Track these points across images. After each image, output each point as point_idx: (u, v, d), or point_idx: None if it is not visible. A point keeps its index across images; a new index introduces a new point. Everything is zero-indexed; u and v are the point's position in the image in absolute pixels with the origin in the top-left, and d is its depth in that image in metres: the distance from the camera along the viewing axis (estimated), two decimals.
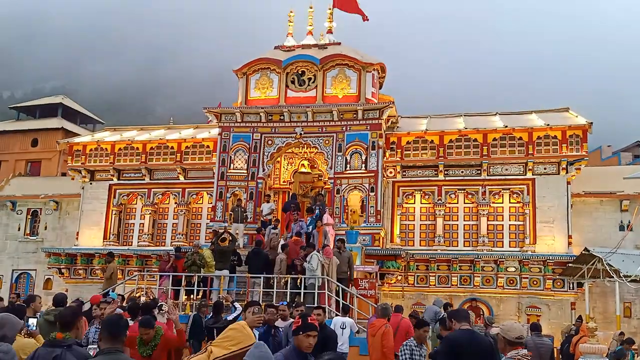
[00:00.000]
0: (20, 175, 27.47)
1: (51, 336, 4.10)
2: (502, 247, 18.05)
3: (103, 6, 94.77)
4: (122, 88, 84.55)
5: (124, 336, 3.83)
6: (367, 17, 19.59)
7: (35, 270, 22.96)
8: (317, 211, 15.85)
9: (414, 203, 19.07)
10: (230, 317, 9.29)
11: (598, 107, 41.73)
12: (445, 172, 18.60)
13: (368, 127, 17.86)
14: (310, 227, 15.64)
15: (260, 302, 10.34)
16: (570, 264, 16.65)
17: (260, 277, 13.50)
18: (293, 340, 4.23)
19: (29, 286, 22.94)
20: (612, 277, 14.90)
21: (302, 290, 12.80)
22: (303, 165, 20.72)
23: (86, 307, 10.02)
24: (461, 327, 5.22)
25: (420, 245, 18.67)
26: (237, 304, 10.37)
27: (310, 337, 4.13)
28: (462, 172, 18.64)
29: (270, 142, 18.54)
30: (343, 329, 10.36)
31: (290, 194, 19.24)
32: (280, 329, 8.17)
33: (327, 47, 19.16)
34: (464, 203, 18.72)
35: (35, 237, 23.35)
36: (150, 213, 20.90)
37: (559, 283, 17.37)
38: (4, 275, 23.38)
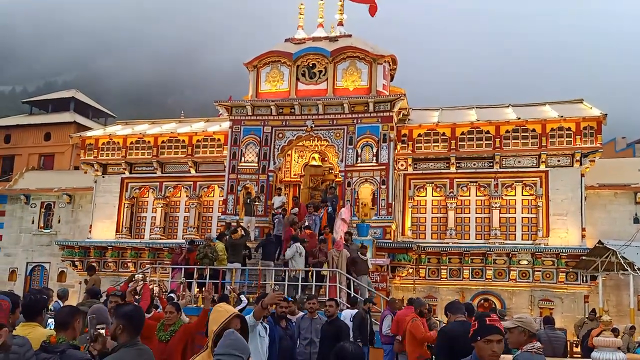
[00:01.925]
0: (33, 169, 27.74)
1: (45, 339, 3.96)
2: (515, 240, 17.90)
3: (118, 1, 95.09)
4: (135, 83, 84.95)
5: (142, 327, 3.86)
6: (374, 11, 19.35)
7: (49, 263, 23.20)
8: (329, 207, 15.94)
9: (426, 196, 18.98)
10: (236, 309, 9.32)
11: (612, 99, 41.22)
12: (457, 165, 18.47)
13: (379, 120, 17.77)
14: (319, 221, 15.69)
15: None
16: (583, 257, 16.49)
17: (271, 270, 13.57)
18: (475, 348, 3.37)
19: (43, 279, 23.22)
20: (626, 270, 14.78)
21: (314, 283, 12.83)
22: (314, 158, 20.69)
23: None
24: (456, 319, 5.29)
25: (431, 238, 18.58)
26: (242, 297, 10.44)
27: (492, 342, 3.24)
28: (474, 164, 18.50)
29: (281, 135, 18.52)
30: (352, 321, 10.35)
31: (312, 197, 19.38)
32: (292, 322, 8.18)
33: (337, 40, 19.05)
34: (476, 196, 18.59)
35: (49, 230, 23.59)
36: (162, 206, 21.01)
37: (572, 276, 17.21)
38: (19, 268, 23.66)
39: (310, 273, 13.25)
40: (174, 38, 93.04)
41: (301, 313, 9.00)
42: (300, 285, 12.87)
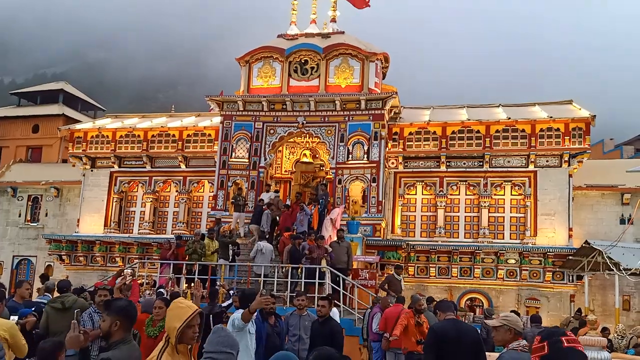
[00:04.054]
0: (21, 161, 27.44)
1: None
2: (503, 239, 18.05)
3: None
4: (134, 78, 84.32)
5: None
6: (362, 5, 19.31)
7: (36, 256, 23.02)
8: (321, 201, 15.99)
9: (416, 194, 19.05)
10: (224, 304, 9.31)
11: (600, 100, 41.61)
12: (447, 164, 18.56)
13: (371, 118, 17.79)
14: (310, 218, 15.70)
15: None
16: (570, 257, 16.66)
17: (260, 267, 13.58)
18: None
19: (30, 272, 23.02)
20: (612, 270, 14.92)
21: (304, 280, 12.84)
22: (305, 155, 20.69)
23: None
24: (446, 317, 5.35)
25: (421, 237, 18.68)
26: (232, 292, 10.42)
27: None
28: (464, 163, 18.60)
29: (272, 131, 18.48)
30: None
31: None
32: (281, 318, 8.15)
33: (330, 36, 19.04)
34: (466, 195, 18.70)
35: (36, 224, 23.39)
36: (151, 201, 20.90)
37: (558, 275, 17.39)
38: (5, 262, 23.45)
39: (299, 270, 13.31)
40: (176, 34, 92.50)
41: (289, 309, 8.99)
42: (259, 282, 13.01)
